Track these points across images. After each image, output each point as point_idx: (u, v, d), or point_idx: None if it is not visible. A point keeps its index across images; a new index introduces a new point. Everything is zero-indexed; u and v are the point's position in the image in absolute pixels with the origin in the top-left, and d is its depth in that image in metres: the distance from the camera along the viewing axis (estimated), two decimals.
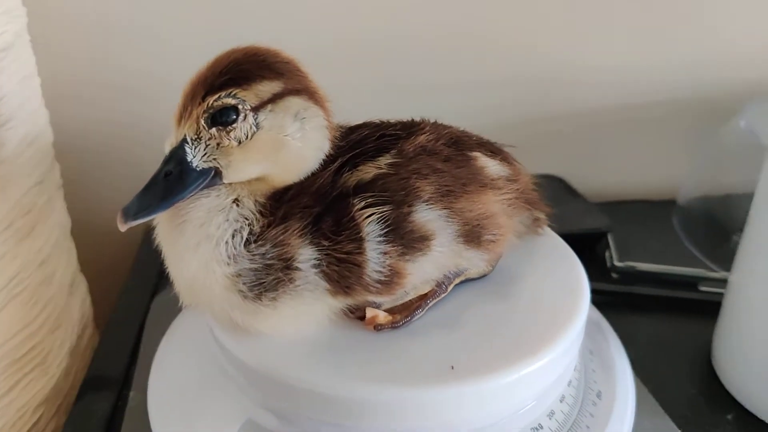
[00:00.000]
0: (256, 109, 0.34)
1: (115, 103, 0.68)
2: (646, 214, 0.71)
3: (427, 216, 0.36)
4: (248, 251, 0.34)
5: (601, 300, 0.40)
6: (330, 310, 0.37)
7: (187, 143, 0.34)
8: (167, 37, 0.66)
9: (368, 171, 0.36)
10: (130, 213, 0.33)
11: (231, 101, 0.33)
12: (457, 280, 0.40)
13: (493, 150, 0.42)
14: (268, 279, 0.34)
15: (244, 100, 0.34)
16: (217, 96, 0.33)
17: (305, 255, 0.35)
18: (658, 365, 0.49)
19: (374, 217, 0.35)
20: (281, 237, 0.34)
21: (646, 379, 0.47)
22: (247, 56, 0.34)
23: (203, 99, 0.34)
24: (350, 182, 0.36)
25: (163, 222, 0.36)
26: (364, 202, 0.35)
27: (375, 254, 0.35)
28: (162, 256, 0.37)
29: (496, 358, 0.35)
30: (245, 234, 0.34)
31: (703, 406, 0.49)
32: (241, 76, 0.34)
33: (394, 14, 0.67)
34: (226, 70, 0.34)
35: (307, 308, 0.36)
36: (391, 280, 0.35)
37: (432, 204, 0.36)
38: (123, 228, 0.34)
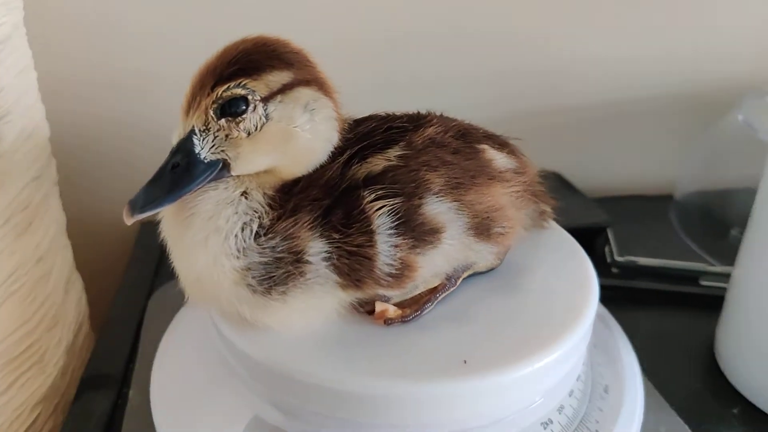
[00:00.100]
0: (265, 100, 0.34)
1: (109, 101, 0.67)
2: (644, 209, 0.71)
3: (437, 208, 0.36)
4: (258, 244, 0.34)
5: (601, 294, 0.40)
6: (339, 304, 0.36)
7: (195, 134, 0.34)
8: (164, 35, 0.65)
9: (377, 163, 0.36)
10: (137, 206, 0.33)
11: (241, 92, 0.33)
12: (466, 274, 0.39)
13: (500, 143, 0.42)
14: (278, 272, 0.34)
15: (254, 91, 0.33)
16: (226, 86, 0.33)
17: (316, 248, 0.34)
18: (661, 360, 0.49)
19: (385, 209, 0.34)
20: (291, 230, 0.34)
21: (650, 374, 0.47)
22: (257, 46, 0.34)
23: (212, 89, 0.33)
24: (359, 174, 0.36)
25: (168, 216, 0.35)
26: (375, 194, 0.34)
27: (386, 247, 0.34)
28: (167, 251, 0.36)
29: (509, 352, 0.35)
30: (255, 227, 0.34)
31: (709, 400, 0.49)
32: (251, 66, 0.33)
33: (395, 7, 0.67)
34: (236, 60, 0.33)
35: (317, 302, 0.35)
36: (402, 273, 0.35)
37: (442, 196, 0.36)
38: (129, 221, 0.33)
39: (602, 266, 0.61)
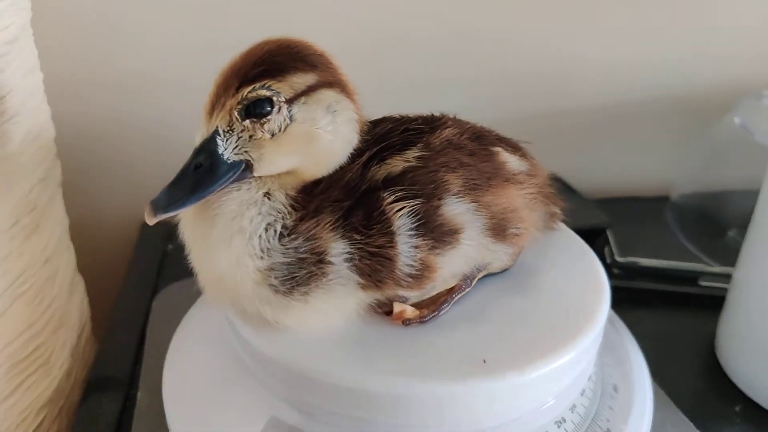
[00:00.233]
0: (290, 102, 0.34)
1: (110, 102, 0.67)
2: (642, 211, 0.72)
3: (456, 209, 0.36)
4: (282, 245, 0.34)
5: None
6: (359, 304, 0.36)
7: (219, 135, 0.34)
8: (165, 36, 0.65)
9: (397, 164, 0.36)
10: (159, 206, 0.32)
11: (266, 93, 0.33)
12: (481, 275, 0.40)
13: (512, 145, 0.42)
14: (300, 273, 0.34)
15: (279, 92, 0.33)
16: (251, 87, 0.33)
17: (337, 249, 0.34)
18: (663, 359, 0.49)
19: (405, 210, 0.35)
20: (314, 230, 0.34)
21: (652, 373, 0.47)
22: (281, 48, 0.34)
23: (237, 90, 0.33)
24: (379, 175, 0.36)
25: (190, 216, 0.35)
26: (394, 195, 0.35)
27: (406, 248, 0.35)
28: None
29: (527, 352, 0.35)
30: (278, 228, 0.34)
31: (711, 398, 0.49)
32: (276, 67, 0.33)
33: (396, 10, 0.67)
34: (261, 61, 0.33)
35: (338, 303, 0.35)
36: (422, 274, 0.35)
37: (461, 197, 0.36)
38: (152, 221, 0.33)
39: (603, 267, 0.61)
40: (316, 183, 0.36)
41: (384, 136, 0.38)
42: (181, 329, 0.46)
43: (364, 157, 0.36)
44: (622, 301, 0.42)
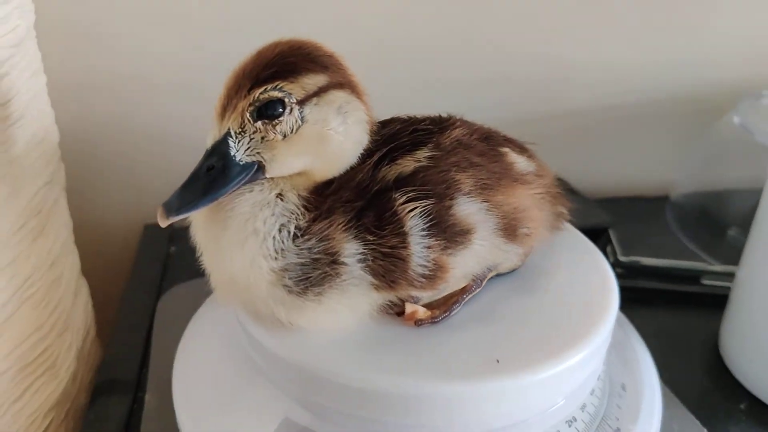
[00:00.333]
0: (301, 103, 0.34)
1: (113, 106, 0.67)
2: (642, 210, 0.72)
3: (468, 209, 0.36)
4: (295, 246, 0.34)
5: None
6: (372, 305, 0.36)
7: (231, 137, 0.34)
8: (168, 42, 0.65)
9: (408, 164, 0.36)
10: (172, 208, 0.33)
11: (278, 94, 0.33)
12: (491, 275, 0.40)
13: (519, 146, 0.42)
14: (314, 273, 0.34)
15: (291, 94, 0.33)
16: (263, 89, 0.33)
17: (351, 249, 0.34)
18: (667, 358, 0.50)
19: (417, 211, 0.35)
20: (327, 231, 0.34)
21: (657, 372, 0.48)
22: (293, 49, 0.34)
23: (249, 92, 0.33)
24: (390, 176, 0.36)
25: (202, 218, 0.35)
26: (406, 196, 0.35)
27: (419, 248, 0.35)
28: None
29: (539, 352, 0.35)
30: (292, 228, 0.34)
31: (716, 396, 0.50)
32: (288, 69, 0.33)
33: (398, 14, 0.67)
34: (272, 62, 0.33)
35: (351, 303, 0.35)
36: (435, 274, 0.35)
37: (473, 197, 0.36)
38: (164, 224, 0.33)
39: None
40: (328, 183, 0.36)
41: (393, 137, 0.38)
42: (190, 331, 0.46)
43: (375, 158, 0.36)
44: (625, 300, 0.43)
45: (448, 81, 0.71)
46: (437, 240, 0.35)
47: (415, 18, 0.68)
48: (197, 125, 0.66)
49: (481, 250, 0.37)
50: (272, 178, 0.35)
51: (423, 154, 0.37)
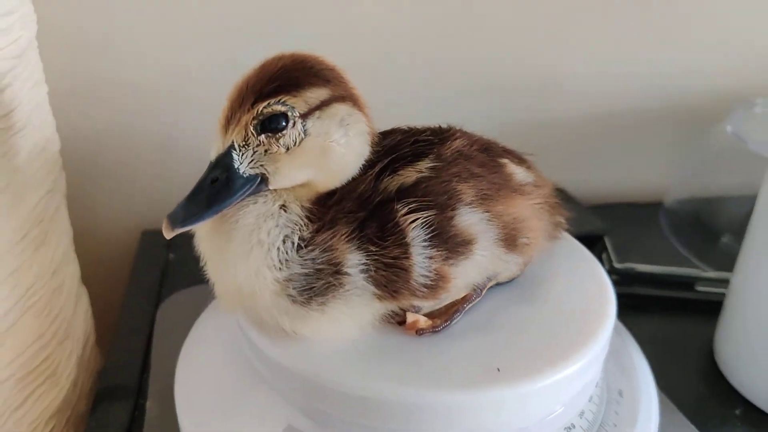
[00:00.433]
0: (304, 116, 0.34)
1: (112, 115, 0.67)
2: (637, 217, 0.73)
3: (469, 219, 0.36)
4: (299, 256, 0.34)
5: None
6: (374, 315, 0.37)
7: (235, 150, 0.34)
8: (167, 51, 0.65)
9: (409, 175, 0.37)
10: (177, 220, 0.33)
11: (281, 108, 0.33)
12: (490, 284, 0.40)
13: (518, 157, 0.43)
14: (318, 284, 0.34)
15: (294, 107, 0.34)
16: (267, 103, 0.33)
17: (354, 260, 0.35)
18: (663, 364, 0.50)
19: (419, 222, 0.35)
20: (330, 242, 0.34)
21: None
22: (296, 63, 0.34)
23: (252, 105, 0.33)
24: (392, 186, 0.36)
25: (206, 229, 0.36)
26: (408, 207, 0.35)
27: (421, 259, 0.35)
28: (203, 263, 0.37)
29: (538, 361, 0.36)
30: (296, 239, 0.34)
31: (711, 402, 0.50)
32: (291, 83, 0.34)
33: (391, 22, 0.68)
34: (276, 76, 0.34)
35: (354, 313, 0.36)
36: (437, 284, 0.36)
37: (474, 207, 0.37)
38: (169, 235, 0.33)
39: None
40: (330, 194, 0.36)
41: (395, 148, 0.38)
42: (192, 337, 0.46)
43: (377, 168, 0.37)
44: (621, 307, 0.43)
45: (443, 91, 0.72)
46: (439, 250, 0.36)
47: (411, 28, 0.68)
48: (195, 133, 0.67)
49: (482, 261, 0.38)
50: (275, 190, 0.35)
51: (424, 164, 0.37)
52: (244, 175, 0.34)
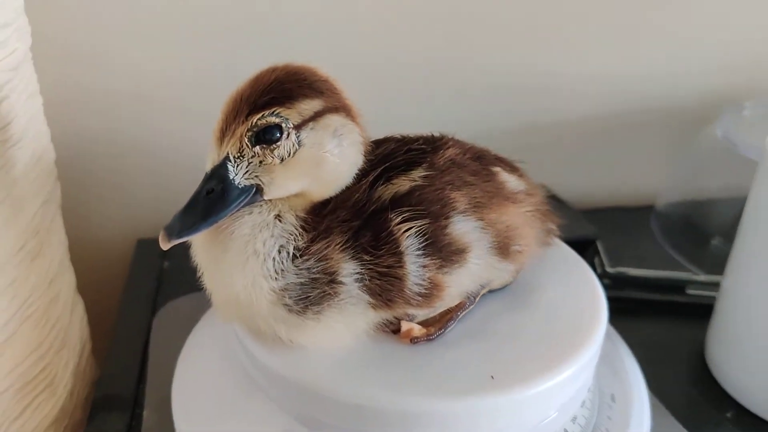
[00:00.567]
0: (298, 127, 0.35)
1: (104, 123, 0.67)
2: (628, 221, 0.73)
3: (463, 228, 0.37)
4: (295, 266, 0.35)
5: None
6: (369, 323, 0.37)
7: (230, 161, 0.34)
8: (159, 60, 0.66)
9: (403, 184, 0.37)
10: (173, 232, 0.33)
11: (275, 120, 0.34)
12: (483, 291, 0.41)
13: (510, 165, 0.44)
14: (313, 293, 0.35)
15: (288, 119, 0.34)
16: (261, 115, 0.34)
17: (348, 269, 0.35)
18: (655, 367, 0.51)
19: (412, 231, 0.36)
20: (325, 251, 0.35)
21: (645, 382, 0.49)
22: (289, 75, 0.35)
23: (247, 117, 0.34)
24: (386, 195, 0.37)
25: (201, 240, 0.36)
26: (401, 216, 0.36)
27: (415, 267, 0.36)
28: (200, 273, 0.37)
29: (531, 367, 0.36)
30: (291, 249, 0.35)
31: (703, 406, 0.51)
32: (285, 95, 0.34)
33: (385, 23, 0.68)
34: (269, 89, 0.34)
35: (349, 321, 0.36)
36: (431, 292, 0.36)
37: (468, 215, 0.37)
38: (166, 246, 0.34)
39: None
40: (324, 204, 0.37)
41: (388, 156, 0.39)
42: (188, 346, 0.47)
43: (370, 177, 0.37)
44: (613, 311, 0.44)
45: (435, 94, 0.72)
46: (433, 259, 0.36)
47: (406, 31, 0.69)
48: (189, 141, 0.68)
49: (475, 269, 0.38)
50: (270, 200, 0.36)
51: (418, 173, 0.38)
52: (240, 186, 0.34)
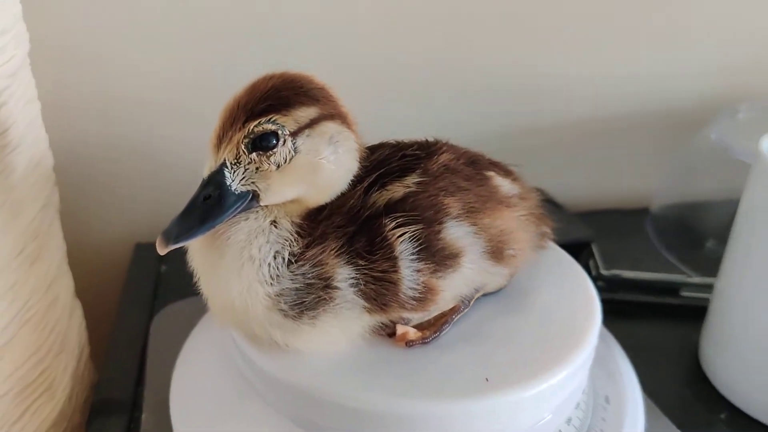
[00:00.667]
0: (294, 135, 0.35)
1: (101, 128, 0.68)
2: (623, 223, 0.74)
3: (456, 233, 0.37)
4: (290, 271, 0.35)
5: None
6: (364, 327, 0.38)
7: (227, 167, 0.35)
8: (156, 64, 0.66)
9: (397, 190, 0.38)
10: (171, 236, 0.34)
11: (271, 127, 0.34)
12: (478, 295, 0.41)
13: (504, 169, 0.44)
14: (309, 298, 0.35)
15: (284, 126, 0.35)
16: (257, 122, 0.34)
17: (343, 274, 0.36)
18: (649, 369, 0.51)
19: (406, 236, 0.36)
20: (320, 257, 0.35)
21: (639, 383, 0.49)
22: (285, 83, 0.35)
23: (244, 124, 0.34)
24: (380, 201, 0.37)
25: (198, 246, 0.37)
26: (395, 222, 0.36)
27: (409, 272, 0.36)
28: (196, 279, 0.37)
29: (526, 370, 0.37)
30: (286, 255, 0.35)
31: (697, 407, 0.51)
32: (281, 102, 0.35)
33: (378, 27, 0.68)
34: (266, 96, 0.35)
35: (344, 326, 0.37)
36: (425, 296, 0.37)
37: (461, 220, 0.38)
38: (163, 251, 0.34)
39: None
40: (320, 210, 0.37)
41: (382, 163, 0.39)
42: (186, 350, 0.47)
43: (365, 183, 0.38)
44: (607, 313, 0.44)
45: (430, 96, 0.73)
46: (427, 264, 0.36)
47: (405, 32, 0.69)
48: (186, 146, 0.68)
49: (469, 273, 0.38)
50: (266, 206, 0.36)
51: (412, 179, 0.38)
52: (236, 192, 0.35)
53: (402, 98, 0.72)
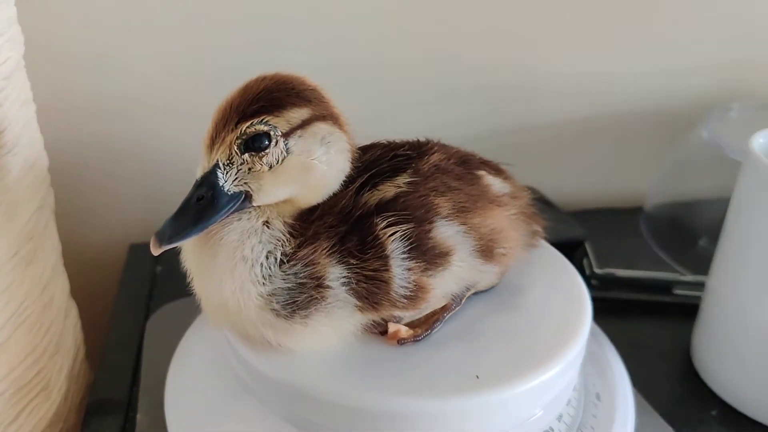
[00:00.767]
0: (286, 135, 0.35)
1: (95, 128, 0.68)
2: (616, 222, 0.74)
3: (446, 232, 0.38)
4: (282, 271, 0.35)
5: None
6: (356, 325, 0.38)
7: (219, 168, 0.35)
8: (150, 64, 0.67)
9: (388, 190, 0.38)
10: (164, 237, 0.34)
11: (264, 128, 0.35)
12: (469, 293, 0.42)
13: (495, 168, 0.44)
14: (301, 297, 0.36)
15: (276, 127, 0.35)
16: (250, 123, 0.34)
17: (335, 273, 0.36)
18: (641, 366, 0.52)
19: (397, 235, 0.36)
20: (312, 256, 0.36)
21: (631, 381, 0.49)
22: (277, 84, 0.36)
23: (236, 125, 0.35)
24: (372, 201, 0.38)
25: (191, 246, 0.37)
26: (387, 221, 0.37)
27: (400, 271, 0.37)
28: (189, 279, 0.38)
29: (516, 367, 0.37)
30: (278, 255, 0.36)
31: (688, 404, 0.51)
32: (273, 103, 0.35)
33: (372, 26, 0.69)
34: (258, 97, 0.35)
35: (337, 325, 0.37)
36: (416, 295, 0.37)
37: (451, 220, 0.38)
38: (157, 252, 0.34)
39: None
40: (312, 210, 0.38)
41: (374, 163, 0.40)
42: (180, 351, 0.47)
43: (357, 184, 0.38)
44: (601, 312, 0.44)
45: (421, 95, 0.73)
46: (417, 262, 0.37)
47: (390, 32, 0.69)
48: (180, 147, 0.68)
49: (459, 271, 0.39)
50: (259, 206, 0.36)
51: (403, 179, 0.39)
52: (229, 193, 0.35)
53: (390, 98, 0.72)
